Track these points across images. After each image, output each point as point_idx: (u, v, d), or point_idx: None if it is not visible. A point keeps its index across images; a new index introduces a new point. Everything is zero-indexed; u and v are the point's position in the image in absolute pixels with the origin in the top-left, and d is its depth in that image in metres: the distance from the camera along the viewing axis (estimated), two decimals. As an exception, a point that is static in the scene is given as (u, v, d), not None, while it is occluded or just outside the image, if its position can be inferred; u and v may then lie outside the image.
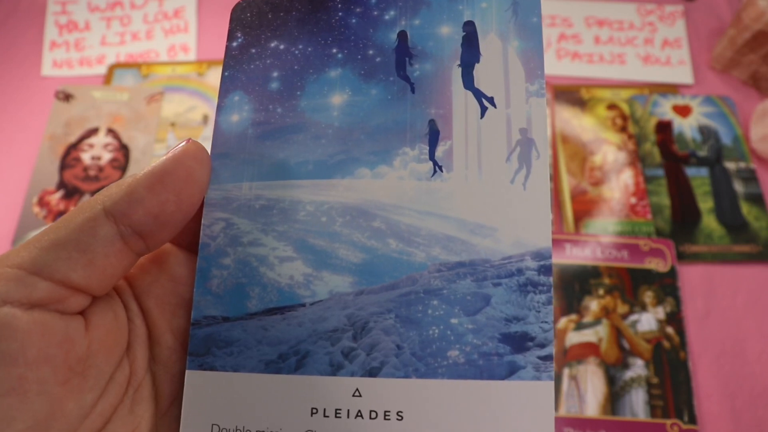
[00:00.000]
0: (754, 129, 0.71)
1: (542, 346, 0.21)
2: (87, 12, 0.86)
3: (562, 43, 0.81)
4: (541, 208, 0.22)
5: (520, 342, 0.21)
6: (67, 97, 0.78)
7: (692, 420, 0.56)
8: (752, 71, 0.75)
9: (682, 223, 0.67)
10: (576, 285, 0.63)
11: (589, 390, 0.57)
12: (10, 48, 0.84)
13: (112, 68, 0.81)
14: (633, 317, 0.61)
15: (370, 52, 0.25)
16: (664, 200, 0.69)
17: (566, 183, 0.70)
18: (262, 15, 0.26)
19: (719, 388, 0.58)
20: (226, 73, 0.25)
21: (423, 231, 0.23)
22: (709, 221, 0.68)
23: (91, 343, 0.20)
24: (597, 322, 0.61)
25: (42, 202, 0.71)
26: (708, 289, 0.64)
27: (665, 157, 0.72)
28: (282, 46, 0.25)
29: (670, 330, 0.60)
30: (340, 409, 0.21)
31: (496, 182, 0.23)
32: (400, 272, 0.22)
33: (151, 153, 0.74)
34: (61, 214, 0.70)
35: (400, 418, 0.21)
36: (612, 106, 0.76)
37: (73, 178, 0.73)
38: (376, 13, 0.25)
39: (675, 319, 0.61)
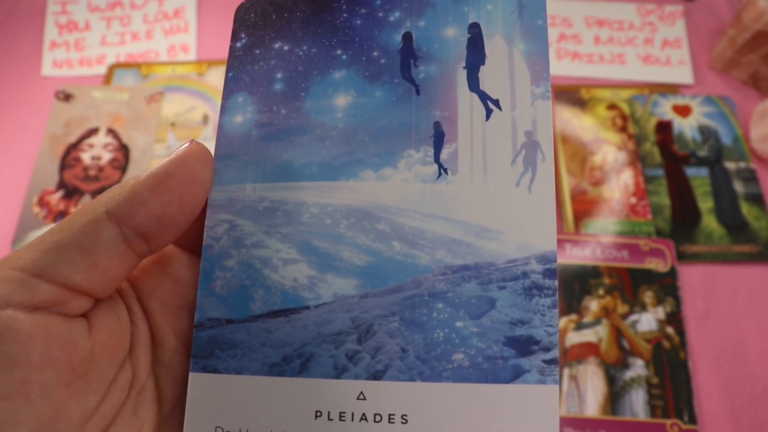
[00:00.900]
0: (754, 129, 0.71)
1: (547, 349, 0.21)
2: (87, 12, 0.86)
3: (562, 43, 0.81)
4: (546, 211, 0.22)
5: (525, 346, 0.21)
6: (67, 97, 0.78)
7: (692, 420, 0.56)
8: (752, 71, 0.75)
9: (682, 223, 0.68)
10: (576, 285, 0.63)
11: (589, 390, 0.57)
12: (10, 48, 0.84)
13: (112, 68, 0.81)
14: (633, 317, 0.61)
15: (375, 53, 0.25)
16: (664, 200, 0.69)
17: (566, 183, 0.70)
18: (266, 16, 0.26)
19: (719, 388, 0.58)
20: (230, 74, 0.25)
21: (428, 234, 0.23)
22: (709, 221, 0.68)
23: (94, 346, 0.20)
24: (597, 322, 0.61)
25: (42, 202, 0.71)
26: (708, 289, 0.64)
27: (665, 157, 0.72)
28: (286, 47, 0.25)
29: (670, 330, 0.60)
30: (344, 413, 0.21)
31: (502, 185, 0.23)
32: (404, 275, 0.22)
33: (151, 153, 0.74)
34: (61, 214, 0.70)
35: (404, 421, 0.21)
36: (612, 106, 0.76)
37: (73, 178, 0.72)
38: (380, 14, 0.25)
39: (675, 319, 0.61)
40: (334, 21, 0.25)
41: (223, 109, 0.25)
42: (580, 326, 0.61)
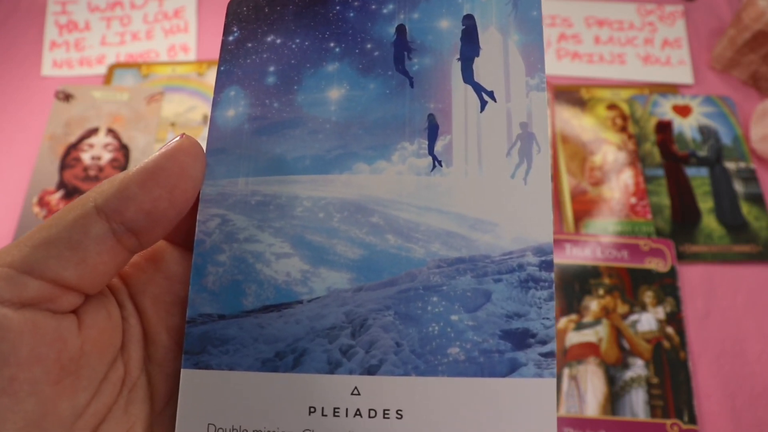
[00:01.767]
0: (754, 129, 0.71)
1: (544, 342, 0.21)
2: (87, 12, 0.86)
3: (562, 43, 0.81)
4: (541, 203, 0.22)
5: (521, 339, 0.21)
6: (67, 97, 0.78)
7: (692, 420, 0.56)
8: (752, 71, 0.75)
9: (682, 223, 0.67)
10: (576, 285, 0.62)
11: (589, 390, 0.57)
12: (10, 48, 0.84)
13: (112, 68, 0.81)
14: (633, 317, 0.61)
15: (368, 46, 0.24)
16: (664, 200, 0.69)
17: (566, 183, 0.70)
18: (259, 9, 0.25)
19: (719, 388, 0.58)
20: (222, 68, 0.25)
21: (422, 226, 0.23)
22: (709, 221, 0.67)
23: (84, 343, 0.20)
24: (597, 322, 0.61)
25: (42, 202, 0.71)
26: (708, 289, 0.64)
27: (665, 157, 0.72)
28: (279, 41, 0.25)
29: (670, 330, 0.60)
30: (338, 408, 0.21)
31: (497, 177, 0.22)
32: (399, 268, 0.22)
33: (152, 153, 0.74)
34: (59, 213, 0.70)
35: (399, 416, 0.21)
36: (612, 106, 0.75)
37: (73, 178, 0.72)
38: (374, 6, 0.25)
39: (675, 319, 0.61)
40: (327, 13, 0.25)
41: (215, 103, 0.24)
42: (580, 326, 0.60)
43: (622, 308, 0.61)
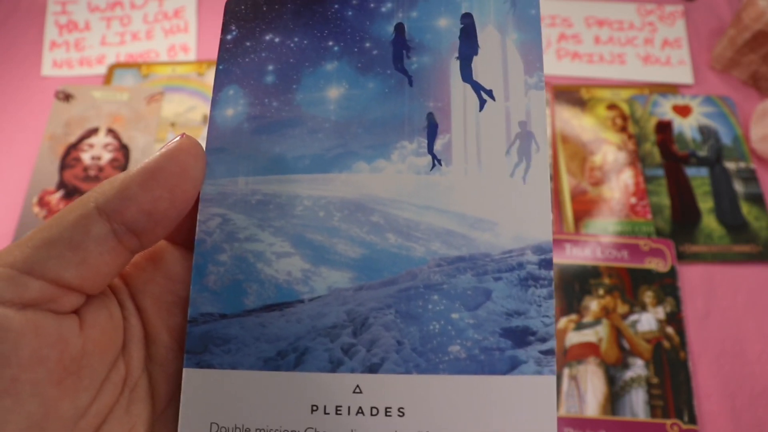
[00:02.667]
0: (754, 129, 0.71)
1: (544, 340, 0.21)
2: (87, 12, 0.86)
3: (562, 43, 0.81)
4: (541, 201, 0.22)
5: (521, 336, 0.21)
6: (67, 97, 0.78)
7: (692, 420, 0.56)
8: (752, 71, 0.75)
9: (682, 223, 0.67)
10: (576, 285, 0.62)
11: (589, 390, 0.57)
12: (10, 48, 0.84)
13: (112, 68, 0.81)
14: (633, 317, 0.61)
15: (367, 44, 0.24)
16: (664, 200, 0.69)
17: (566, 183, 0.70)
18: (257, 7, 0.25)
19: (719, 388, 0.58)
20: (221, 67, 0.25)
21: (422, 225, 0.23)
22: (709, 221, 0.67)
23: (86, 343, 0.20)
24: (597, 322, 0.61)
25: (42, 202, 0.71)
26: (708, 289, 0.64)
27: (665, 157, 0.72)
28: (277, 39, 0.25)
29: (670, 330, 0.60)
30: (340, 406, 0.21)
31: (496, 176, 0.23)
32: (399, 267, 0.22)
33: (152, 153, 0.74)
34: (60, 214, 0.70)
35: (401, 414, 0.21)
36: (612, 106, 0.75)
37: (73, 178, 0.72)
38: (372, 5, 0.25)
39: (675, 319, 0.61)
40: (325, 12, 0.25)
41: (214, 102, 0.25)
42: (580, 326, 0.60)
43: (622, 308, 0.61)
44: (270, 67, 0.25)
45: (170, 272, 0.23)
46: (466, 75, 0.24)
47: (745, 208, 0.68)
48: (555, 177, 0.70)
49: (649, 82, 0.78)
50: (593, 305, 0.61)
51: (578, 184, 0.70)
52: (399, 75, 0.24)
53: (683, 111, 0.75)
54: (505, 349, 0.21)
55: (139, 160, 0.73)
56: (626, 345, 0.59)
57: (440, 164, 0.23)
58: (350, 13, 0.25)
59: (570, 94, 0.76)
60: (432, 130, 0.23)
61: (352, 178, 0.23)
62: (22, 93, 0.80)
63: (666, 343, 0.59)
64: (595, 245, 0.64)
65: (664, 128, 0.73)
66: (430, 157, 0.23)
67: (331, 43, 0.25)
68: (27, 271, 0.19)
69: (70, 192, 0.72)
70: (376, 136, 0.23)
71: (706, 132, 0.73)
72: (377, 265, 0.22)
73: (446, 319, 0.21)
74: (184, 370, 0.22)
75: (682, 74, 0.78)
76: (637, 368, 0.58)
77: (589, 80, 0.78)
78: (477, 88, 0.23)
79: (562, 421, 0.56)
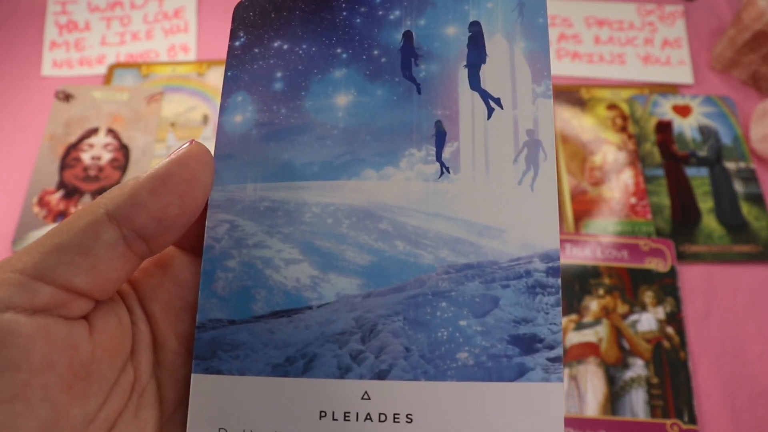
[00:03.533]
0: (754, 129, 0.71)
1: (551, 347, 0.21)
2: (87, 12, 0.86)
3: (562, 43, 0.81)
4: (548, 209, 0.22)
5: (528, 344, 0.21)
6: (67, 97, 0.78)
7: (692, 420, 0.56)
8: (752, 71, 0.75)
9: (682, 223, 0.68)
10: (576, 285, 0.63)
11: (589, 390, 0.57)
12: (10, 48, 0.84)
13: (112, 68, 0.81)
14: (633, 317, 0.61)
15: (375, 52, 0.24)
16: (664, 200, 0.69)
17: (566, 183, 0.70)
18: (265, 14, 0.25)
19: (719, 388, 0.58)
20: (229, 73, 0.25)
21: (430, 233, 0.23)
22: (709, 221, 0.68)
23: (95, 348, 0.20)
24: (597, 322, 0.61)
25: (42, 202, 0.71)
26: (708, 289, 0.64)
27: (665, 157, 0.72)
28: (285, 46, 0.25)
29: (670, 330, 0.60)
30: (348, 413, 0.21)
31: (504, 183, 0.23)
32: (408, 274, 0.22)
33: (151, 153, 0.74)
34: (61, 214, 0.70)
35: (409, 420, 0.21)
36: (612, 106, 0.76)
37: (73, 178, 0.72)
38: (380, 12, 0.25)
39: (675, 319, 0.61)
40: (333, 19, 0.25)
41: (223, 109, 0.25)
42: (580, 326, 0.61)
43: (622, 308, 0.61)
44: (278, 74, 0.25)
45: (179, 278, 0.23)
46: (474, 83, 0.24)
47: (745, 208, 0.68)
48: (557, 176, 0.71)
49: (649, 82, 0.78)
50: (593, 305, 0.62)
51: (578, 184, 0.70)
52: (407, 83, 0.24)
53: (683, 111, 0.75)
54: (512, 356, 0.21)
55: (139, 160, 0.73)
56: (626, 345, 0.59)
57: (448, 172, 0.23)
58: (358, 20, 0.25)
59: (570, 94, 0.77)
60: (440, 138, 0.23)
61: (361, 185, 0.23)
62: (22, 93, 0.80)
63: (666, 343, 0.59)
64: (595, 245, 0.65)
65: (664, 128, 0.73)
66: (438, 165, 0.23)
67: (339, 51, 0.25)
68: (37, 277, 0.19)
69: (70, 192, 0.71)
70: (384, 144, 0.23)
71: (706, 132, 0.73)
72: (386, 272, 0.22)
73: (454, 326, 0.22)
74: (193, 375, 0.22)
75: (682, 74, 0.78)
76: (637, 368, 0.58)
77: (589, 80, 0.79)
78: (485, 96, 0.23)
79: (563, 421, 0.56)
